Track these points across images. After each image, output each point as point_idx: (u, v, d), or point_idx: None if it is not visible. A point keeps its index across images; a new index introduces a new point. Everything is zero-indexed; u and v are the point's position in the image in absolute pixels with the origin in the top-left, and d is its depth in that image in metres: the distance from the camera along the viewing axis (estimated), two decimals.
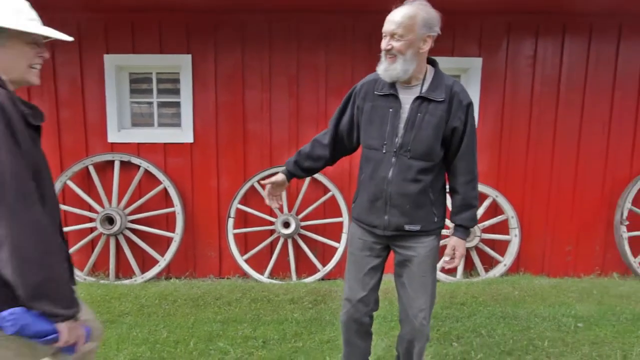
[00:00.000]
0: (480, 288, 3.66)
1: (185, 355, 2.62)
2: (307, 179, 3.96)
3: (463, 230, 1.95)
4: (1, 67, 1.21)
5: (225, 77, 3.92)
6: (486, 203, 4.03)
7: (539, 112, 4.02)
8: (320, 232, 4.09)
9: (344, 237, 3.99)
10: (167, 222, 4.05)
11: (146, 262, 4.05)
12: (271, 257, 4.05)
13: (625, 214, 3.98)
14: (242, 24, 3.85)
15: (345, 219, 3.97)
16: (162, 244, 4.02)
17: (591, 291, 3.67)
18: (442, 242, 2.08)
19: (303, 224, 4.02)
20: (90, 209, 3.93)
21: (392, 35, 1.75)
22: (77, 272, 3.86)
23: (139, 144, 3.96)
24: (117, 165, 3.88)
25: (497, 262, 4.11)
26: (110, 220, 3.86)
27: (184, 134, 3.96)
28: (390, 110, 1.85)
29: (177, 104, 4.02)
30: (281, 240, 4.05)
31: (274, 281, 3.94)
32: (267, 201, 2.10)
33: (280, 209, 4.01)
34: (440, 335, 2.87)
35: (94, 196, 3.93)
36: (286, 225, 3.96)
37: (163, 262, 3.94)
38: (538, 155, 4.08)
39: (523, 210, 4.12)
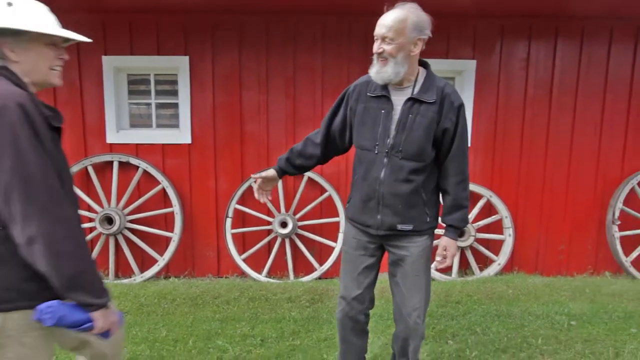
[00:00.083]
0: (475, 287, 3.70)
1: (184, 353, 2.65)
2: (304, 180, 4.01)
3: (454, 230, 1.97)
4: (23, 70, 1.24)
5: (222, 79, 3.95)
6: (480, 203, 4.08)
7: (532, 114, 4.08)
8: (317, 231, 4.13)
9: (340, 236, 4.03)
10: (166, 222, 4.08)
11: (145, 262, 4.08)
12: (269, 257, 4.08)
13: (617, 213, 4.04)
14: (240, 26, 3.88)
15: (341, 218, 4.01)
16: (161, 244, 4.04)
17: (584, 290, 3.72)
18: (436, 242, 2.10)
19: (300, 223, 4.05)
20: (90, 209, 3.96)
21: (383, 39, 1.77)
22: None
23: (137, 144, 3.99)
24: (115, 165, 3.91)
25: (492, 261, 4.17)
26: (109, 220, 3.88)
27: (182, 135, 3.99)
28: (382, 111, 1.88)
29: (175, 105, 4.05)
30: (279, 240, 4.08)
31: (271, 280, 3.97)
32: (256, 195, 2.12)
33: (278, 209, 4.05)
34: (435, 333, 2.90)
35: (93, 196, 3.96)
36: (284, 225, 4.00)
37: (162, 261, 3.96)
38: (531, 156, 4.13)
39: (517, 210, 4.18)
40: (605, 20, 3.94)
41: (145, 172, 3.95)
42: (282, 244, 4.11)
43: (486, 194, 4.07)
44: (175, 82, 4.02)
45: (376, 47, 1.81)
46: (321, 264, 4.08)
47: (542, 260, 4.28)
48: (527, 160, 4.14)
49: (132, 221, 3.98)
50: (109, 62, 3.86)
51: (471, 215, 4.07)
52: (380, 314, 3.10)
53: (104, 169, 3.97)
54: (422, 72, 1.90)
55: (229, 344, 2.75)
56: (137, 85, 4.06)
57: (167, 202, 4.02)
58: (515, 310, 3.28)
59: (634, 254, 4.12)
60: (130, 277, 4.01)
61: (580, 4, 3.67)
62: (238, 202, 4.01)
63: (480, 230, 4.11)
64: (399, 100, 1.87)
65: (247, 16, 3.86)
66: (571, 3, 3.66)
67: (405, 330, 2.00)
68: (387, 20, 1.76)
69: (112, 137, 3.95)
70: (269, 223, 4.04)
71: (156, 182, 3.96)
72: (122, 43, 3.86)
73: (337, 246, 4.03)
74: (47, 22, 1.26)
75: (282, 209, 4.04)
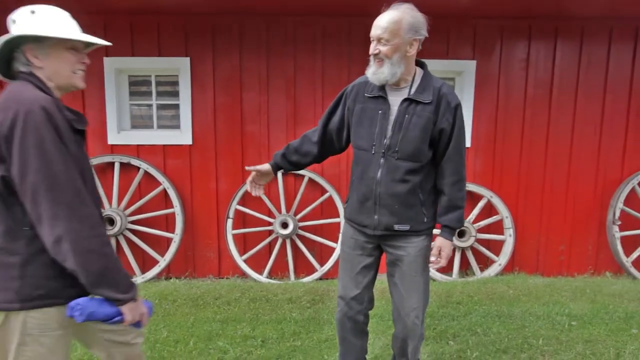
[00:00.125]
0: (476, 287, 3.70)
1: (185, 354, 2.65)
2: (305, 180, 4.01)
3: (449, 230, 1.96)
4: (47, 75, 1.29)
5: (223, 80, 3.96)
6: (481, 204, 4.08)
7: (532, 114, 4.08)
8: (318, 232, 4.13)
9: (341, 237, 4.03)
10: (167, 222, 4.08)
11: (146, 263, 4.08)
12: (270, 257, 4.09)
13: (618, 214, 4.04)
14: (240, 27, 3.90)
15: (342, 219, 4.01)
16: (162, 245, 4.05)
17: (584, 290, 3.72)
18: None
19: (301, 224, 4.06)
20: None
21: (379, 40, 1.78)
22: None
23: (138, 145, 4.00)
24: (117, 166, 3.92)
25: (492, 261, 4.17)
26: (110, 221, 3.89)
27: (183, 136, 4.00)
28: (379, 112, 1.88)
29: (176, 106, 4.06)
30: (279, 241, 4.09)
31: (272, 281, 3.98)
32: (248, 188, 2.12)
33: (279, 210, 4.05)
34: (436, 334, 2.90)
35: None
36: (284, 225, 4.00)
37: (163, 262, 3.97)
38: (531, 156, 4.14)
39: (517, 211, 4.18)
40: (604, 21, 3.95)
41: (146, 173, 3.96)
42: (283, 245, 4.12)
43: (487, 194, 4.07)
44: (176, 83, 4.03)
45: (372, 48, 1.82)
46: (322, 265, 4.09)
47: (542, 260, 4.28)
48: (527, 161, 4.14)
49: (133, 222, 3.99)
50: (110, 64, 3.88)
51: (472, 216, 4.07)
52: (381, 315, 3.10)
53: (105, 170, 3.98)
54: (419, 72, 1.90)
55: (230, 344, 2.75)
56: (138, 86, 4.07)
57: (168, 203, 4.03)
58: (516, 310, 3.28)
59: (635, 254, 4.12)
60: (131, 278, 4.01)
61: (580, 4, 3.67)
62: (239, 203, 4.02)
63: (480, 230, 4.12)
64: (395, 100, 1.87)
65: (247, 17, 3.87)
66: (571, 3, 3.66)
67: (403, 331, 2.00)
68: (382, 22, 1.77)
69: (113, 138, 3.96)
70: (270, 224, 4.05)
71: (157, 183, 3.97)
72: (123, 44, 3.87)
73: (338, 247, 4.03)
74: (67, 28, 1.31)
75: (283, 210, 4.04)
